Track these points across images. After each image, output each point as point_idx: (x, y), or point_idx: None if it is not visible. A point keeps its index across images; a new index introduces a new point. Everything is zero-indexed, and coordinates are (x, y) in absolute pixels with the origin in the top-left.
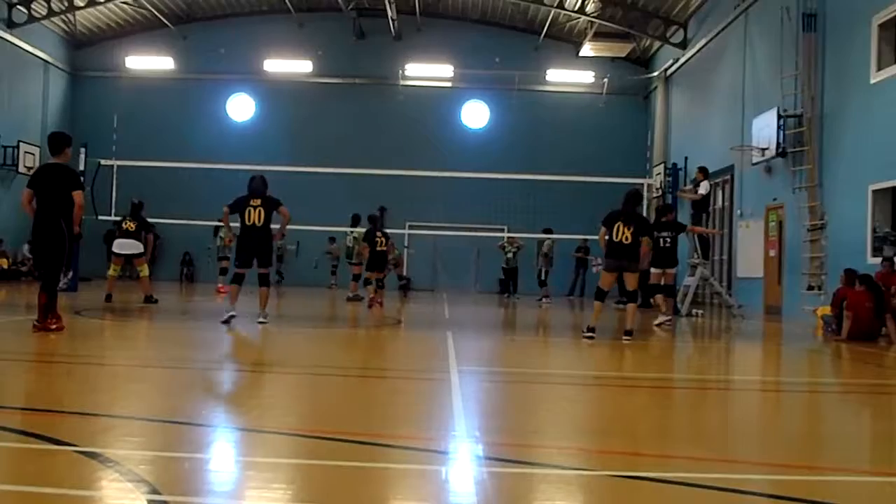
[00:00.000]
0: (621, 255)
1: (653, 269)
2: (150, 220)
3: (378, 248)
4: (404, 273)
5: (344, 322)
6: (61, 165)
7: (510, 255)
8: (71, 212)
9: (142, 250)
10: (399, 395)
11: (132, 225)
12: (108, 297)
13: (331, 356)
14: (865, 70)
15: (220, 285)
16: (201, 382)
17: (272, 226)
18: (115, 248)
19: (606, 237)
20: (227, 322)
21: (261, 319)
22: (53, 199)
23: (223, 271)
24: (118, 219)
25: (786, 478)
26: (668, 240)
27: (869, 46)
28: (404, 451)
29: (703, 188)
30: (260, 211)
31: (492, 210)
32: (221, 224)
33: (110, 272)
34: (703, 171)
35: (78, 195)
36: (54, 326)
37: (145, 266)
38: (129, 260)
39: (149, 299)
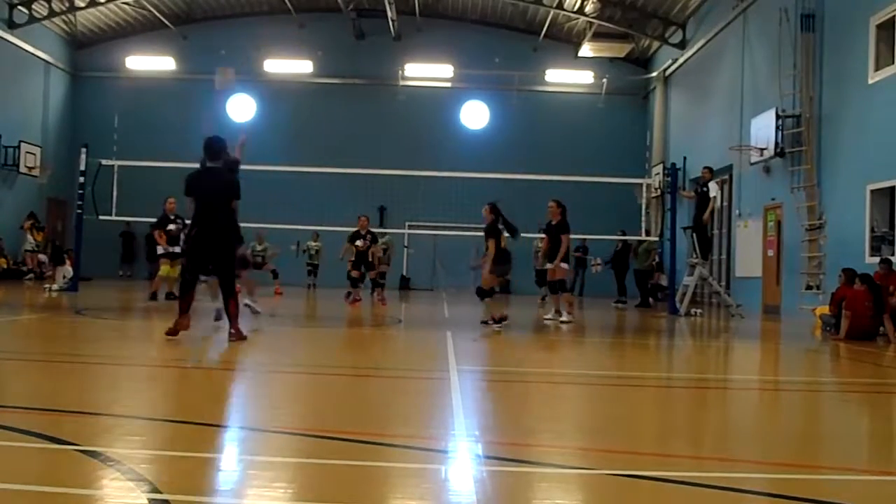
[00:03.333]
0: (510, 260)
1: (567, 266)
2: (150, 219)
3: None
4: (404, 273)
5: (343, 322)
6: (221, 170)
7: None
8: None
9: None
10: (399, 394)
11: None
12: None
13: (330, 356)
14: (863, 70)
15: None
16: (202, 382)
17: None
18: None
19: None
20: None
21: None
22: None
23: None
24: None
25: (786, 477)
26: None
27: (867, 47)
28: (404, 450)
29: (713, 190)
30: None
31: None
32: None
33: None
34: (710, 171)
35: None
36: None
37: (165, 267)
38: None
39: (153, 296)
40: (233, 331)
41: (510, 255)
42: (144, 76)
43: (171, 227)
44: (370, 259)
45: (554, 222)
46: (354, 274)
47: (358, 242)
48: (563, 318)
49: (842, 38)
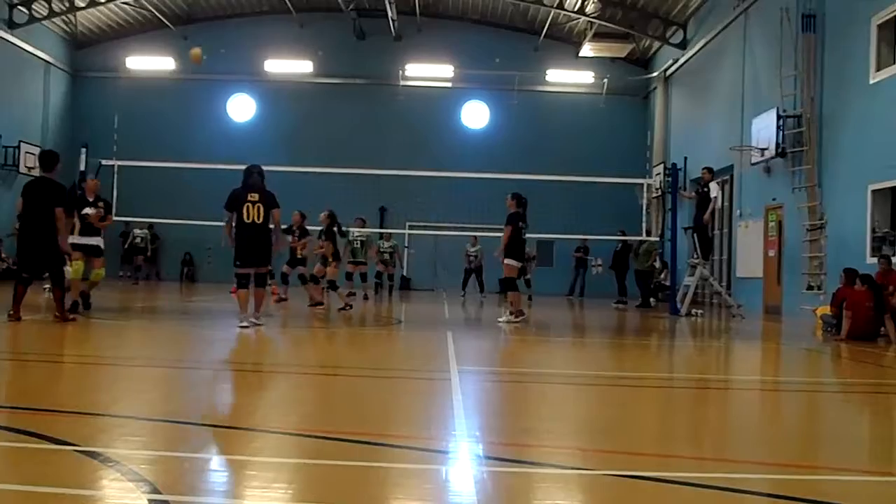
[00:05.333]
0: (339, 256)
1: (511, 262)
2: (149, 219)
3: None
4: (404, 273)
5: (343, 322)
6: (49, 180)
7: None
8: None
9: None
10: (399, 395)
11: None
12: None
13: (330, 356)
14: (864, 70)
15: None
16: (202, 382)
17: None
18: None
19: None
20: (246, 326)
21: (253, 321)
22: (42, 211)
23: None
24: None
25: (786, 478)
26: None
27: (868, 47)
28: (404, 451)
29: (714, 190)
30: (259, 207)
31: (492, 210)
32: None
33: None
34: (710, 171)
35: (59, 211)
36: (71, 317)
37: (76, 263)
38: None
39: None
40: (57, 314)
41: (339, 253)
42: (144, 76)
43: (89, 210)
44: (298, 255)
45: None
46: (284, 270)
47: (288, 238)
48: (502, 318)
49: (843, 38)
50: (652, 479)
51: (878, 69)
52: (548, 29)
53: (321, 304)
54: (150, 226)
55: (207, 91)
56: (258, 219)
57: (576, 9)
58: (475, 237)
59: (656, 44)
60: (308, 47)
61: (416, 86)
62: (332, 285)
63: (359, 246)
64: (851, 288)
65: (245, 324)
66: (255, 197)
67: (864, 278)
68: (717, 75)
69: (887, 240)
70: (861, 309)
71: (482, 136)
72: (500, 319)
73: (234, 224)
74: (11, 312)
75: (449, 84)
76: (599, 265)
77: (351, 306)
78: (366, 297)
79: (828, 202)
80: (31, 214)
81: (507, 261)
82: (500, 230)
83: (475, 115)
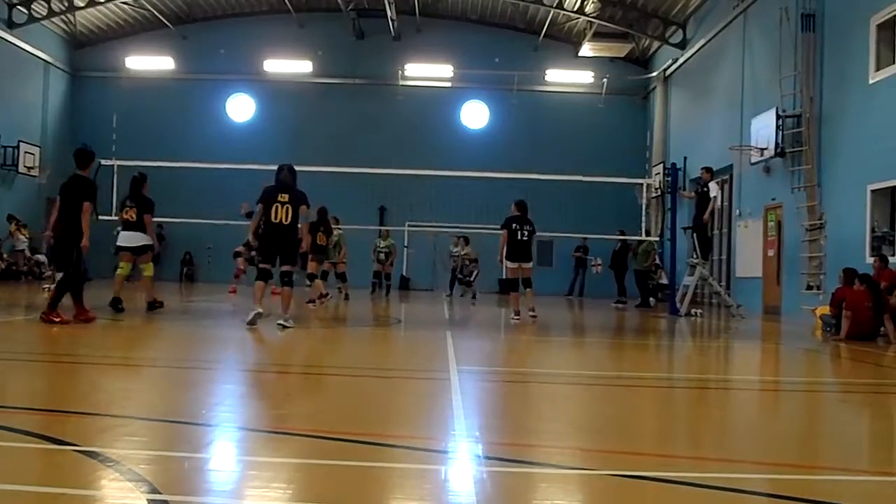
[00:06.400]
0: (325, 251)
1: (508, 264)
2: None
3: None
4: (404, 273)
5: (342, 322)
6: (81, 176)
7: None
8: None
9: (142, 243)
10: (399, 395)
11: (132, 213)
12: (116, 302)
13: (330, 356)
14: (864, 70)
15: (232, 286)
16: (201, 382)
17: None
18: (119, 242)
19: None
20: (252, 322)
21: (281, 322)
22: (69, 207)
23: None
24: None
25: (786, 478)
26: (527, 233)
27: (867, 47)
28: (404, 451)
29: (713, 190)
30: (288, 208)
31: (491, 210)
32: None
33: (119, 271)
34: (709, 171)
35: (86, 205)
36: (58, 320)
37: (149, 265)
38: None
39: (153, 305)
40: (44, 312)
41: (326, 248)
42: (144, 76)
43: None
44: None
45: None
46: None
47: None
48: (522, 318)
49: (842, 37)
50: (652, 479)
51: (878, 69)
52: (547, 29)
53: (325, 295)
54: (160, 225)
55: (207, 91)
56: (286, 219)
57: (575, 8)
58: (457, 238)
59: (656, 43)
60: (307, 47)
61: (416, 86)
62: (311, 277)
63: (333, 245)
64: (851, 288)
65: (252, 317)
66: (285, 198)
67: (864, 278)
68: (716, 75)
69: (887, 240)
70: (860, 309)
71: (482, 135)
72: (531, 318)
73: (262, 221)
74: (75, 313)
75: (448, 84)
76: (599, 265)
77: (317, 301)
78: (326, 296)
79: (827, 202)
80: (64, 212)
81: (506, 263)
82: (498, 230)
83: (475, 114)
